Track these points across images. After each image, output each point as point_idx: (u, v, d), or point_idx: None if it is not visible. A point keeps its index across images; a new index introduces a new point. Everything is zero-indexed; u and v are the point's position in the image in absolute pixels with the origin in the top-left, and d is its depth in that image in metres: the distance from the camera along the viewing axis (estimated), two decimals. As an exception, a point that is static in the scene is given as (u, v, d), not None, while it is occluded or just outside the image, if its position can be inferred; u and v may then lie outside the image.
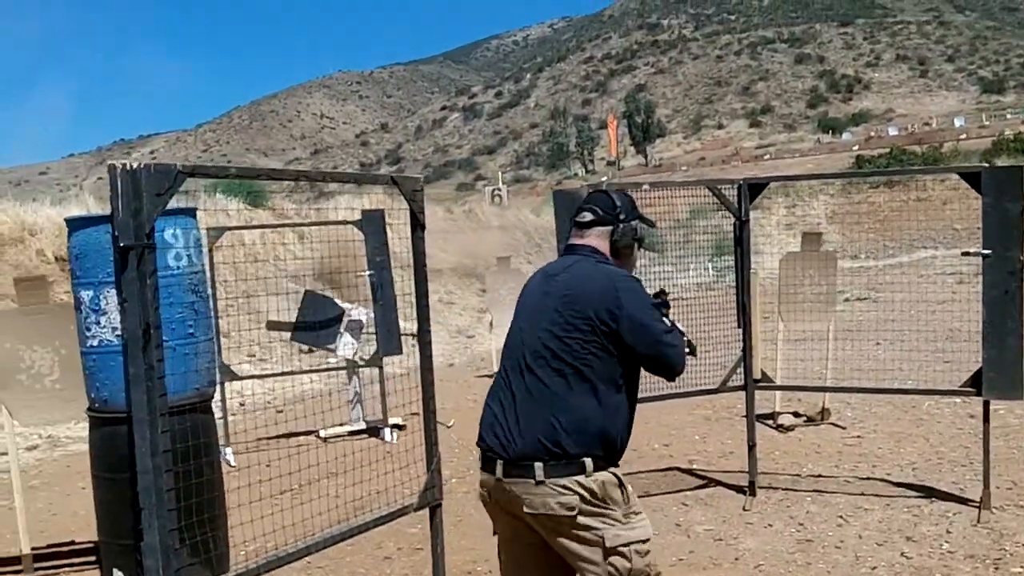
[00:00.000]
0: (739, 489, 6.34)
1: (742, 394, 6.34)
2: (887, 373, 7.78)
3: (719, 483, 6.59)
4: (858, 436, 7.73)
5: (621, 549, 2.90)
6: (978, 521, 5.47)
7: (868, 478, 6.54)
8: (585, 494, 2.88)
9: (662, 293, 3.22)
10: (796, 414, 8.41)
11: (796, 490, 6.34)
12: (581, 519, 2.89)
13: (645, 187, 6.46)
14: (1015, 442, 7.16)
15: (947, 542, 5.20)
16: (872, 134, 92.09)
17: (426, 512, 4.01)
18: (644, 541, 2.97)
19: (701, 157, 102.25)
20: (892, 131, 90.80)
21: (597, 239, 3.12)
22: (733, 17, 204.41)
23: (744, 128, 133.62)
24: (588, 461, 2.88)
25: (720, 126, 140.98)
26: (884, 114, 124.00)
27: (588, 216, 3.15)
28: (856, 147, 74.87)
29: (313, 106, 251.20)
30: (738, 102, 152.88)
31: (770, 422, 8.16)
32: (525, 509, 2.94)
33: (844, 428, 8.05)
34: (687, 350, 3.14)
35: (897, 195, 30.89)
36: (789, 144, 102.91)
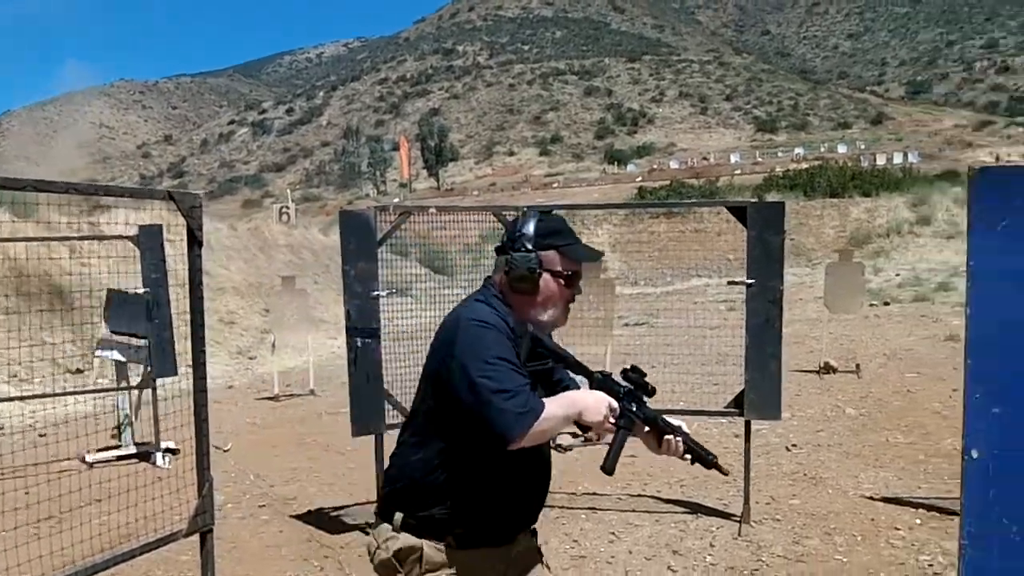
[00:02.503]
0: (517, 508, 6.45)
1: (521, 416, 6.46)
2: (661, 395, 8.07)
3: (498, 503, 6.69)
4: (632, 455, 8.01)
5: None
6: (739, 535, 5.80)
7: (640, 495, 6.81)
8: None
9: (634, 372, 2.66)
10: (574, 434, 8.66)
11: (572, 508, 6.53)
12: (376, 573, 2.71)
13: (432, 210, 6.53)
14: (774, 459, 7.64)
15: (710, 555, 5.49)
16: (655, 166, 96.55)
17: (198, 539, 3.90)
18: None
19: (492, 183, 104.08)
20: (673, 164, 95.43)
21: (498, 270, 2.71)
22: (527, 47, 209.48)
23: (534, 156, 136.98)
24: (398, 516, 2.62)
25: (511, 153, 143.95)
26: (666, 148, 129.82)
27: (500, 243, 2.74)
28: (640, 178, 78.23)
29: (92, 114, 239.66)
30: (529, 130, 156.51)
31: (550, 442, 8.34)
32: None
33: (620, 448, 8.32)
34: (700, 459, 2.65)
35: (676, 225, 32.44)
36: (577, 173, 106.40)
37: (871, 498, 6.47)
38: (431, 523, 2.58)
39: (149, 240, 8.06)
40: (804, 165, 58.92)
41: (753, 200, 7.18)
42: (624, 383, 2.63)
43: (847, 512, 6.18)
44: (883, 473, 7.08)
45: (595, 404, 2.53)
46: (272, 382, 11.96)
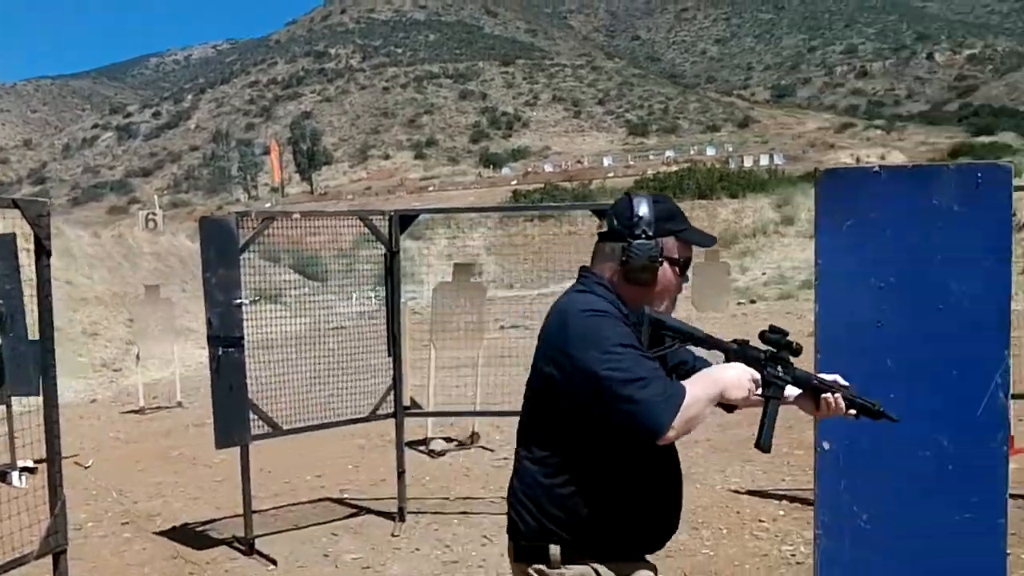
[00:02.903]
0: (389, 516, 6.41)
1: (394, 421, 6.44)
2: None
3: (369, 511, 6.63)
4: (505, 458, 8.06)
5: None
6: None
7: (513, 498, 6.82)
8: None
9: (773, 333, 2.34)
10: (448, 439, 8.66)
11: (444, 513, 6.51)
12: None
13: (296, 216, 6.41)
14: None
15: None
16: (530, 170, 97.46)
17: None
18: None
19: (367, 186, 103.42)
20: (548, 167, 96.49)
21: (604, 260, 2.40)
22: (400, 50, 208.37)
23: (410, 159, 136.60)
24: (554, 549, 2.28)
25: (386, 156, 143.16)
26: (541, 151, 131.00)
27: (604, 227, 2.44)
28: (515, 181, 78.69)
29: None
30: (404, 134, 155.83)
31: (422, 448, 8.34)
32: None
33: (493, 451, 8.37)
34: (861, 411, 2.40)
35: (549, 228, 32.73)
36: (452, 176, 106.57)
37: (737, 492, 6.65)
38: (594, 543, 2.29)
39: (0, 249, 7.70)
40: (674, 167, 60.30)
41: (613, 202, 7.22)
42: (764, 348, 2.33)
43: (714, 506, 6.33)
44: (749, 467, 7.27)
45: (736, 379, 2.23)
46: (137, 395, 11.59)
